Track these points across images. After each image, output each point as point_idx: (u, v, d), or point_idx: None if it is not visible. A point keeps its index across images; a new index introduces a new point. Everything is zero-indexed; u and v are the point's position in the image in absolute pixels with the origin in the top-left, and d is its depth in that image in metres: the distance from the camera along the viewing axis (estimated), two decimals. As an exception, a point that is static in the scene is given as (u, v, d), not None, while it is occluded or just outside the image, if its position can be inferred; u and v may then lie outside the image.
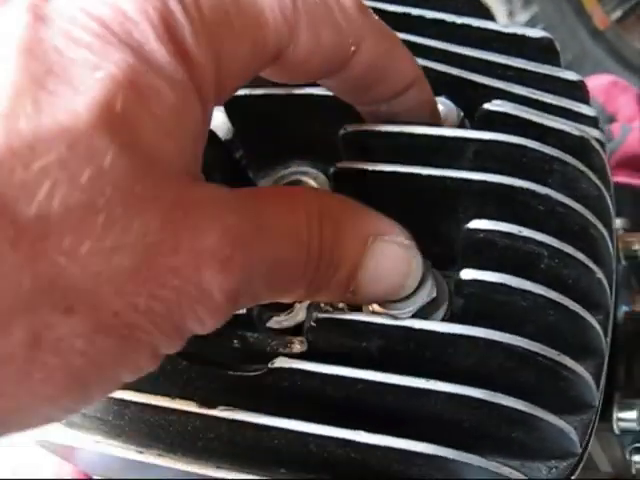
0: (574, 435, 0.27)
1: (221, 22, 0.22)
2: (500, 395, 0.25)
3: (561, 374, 0.26)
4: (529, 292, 0.25)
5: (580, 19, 1.12)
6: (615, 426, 0.38)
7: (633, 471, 0.43)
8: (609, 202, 0.30)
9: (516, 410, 0.25)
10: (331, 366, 0.25)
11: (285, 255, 0.23)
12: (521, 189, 0.27)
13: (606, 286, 0.29)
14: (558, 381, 0.26)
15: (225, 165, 0.35)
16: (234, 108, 0.34)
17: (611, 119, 0.70)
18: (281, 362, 0.25)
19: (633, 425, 0.37)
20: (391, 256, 0.25)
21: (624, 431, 0.38)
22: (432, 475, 0.26)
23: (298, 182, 0.33)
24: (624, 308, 0.41)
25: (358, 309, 0.28)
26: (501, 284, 0.25)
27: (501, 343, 0.25)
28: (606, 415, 0.38)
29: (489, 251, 0.26)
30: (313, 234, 0.23)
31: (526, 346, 0.25)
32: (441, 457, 0.24)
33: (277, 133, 0.34)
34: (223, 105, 0.34)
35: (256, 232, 0.22)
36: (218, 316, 0.22)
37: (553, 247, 0.26)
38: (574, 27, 1.11)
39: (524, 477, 0.26)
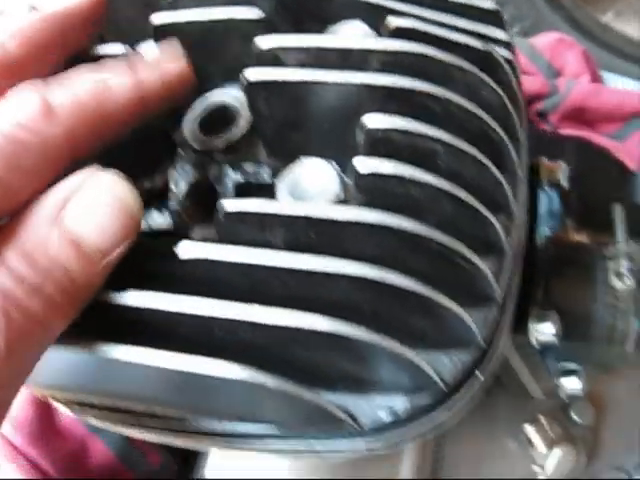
0: (471, 322, 0.28)
1: None
2: (389, 272, 0.26)
3: (455, 261, 0.27)
4: (421, 182, 0.27)
5: (538, -13, 1.13)
6: (533, 339, 0.39)
7: (563, 396, 0.45)
8: (514, 113, 0.32)
9: (405, 289, 0.26)
10: (229, 251, 0.26)
11: None
12: (419, 92, 0.28)
13: (507, 188, 0.30)
14: (454, 269, 0.28)
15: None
16: (162, 36, 0.35)
17: (557, 74, 0.72)
18: (183, 247, 0.27)
19: (551, 338, 0.39)
20: (92, 198, 0.25)
21: (543, 345, 0.39)
22: (338, 362, 0.28)
23: (221, 104, 0.34)
24: (547, 232, 0.42)
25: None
26: (394, 175, 0.27)
27: (392, 227, 0.26)
28: (523, 328, 0.39)
29: (387, 149, 0.28)
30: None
31: (417, 229, 0.26)
32: (339, 335, 0.26)
33: (205, 58, 0.35)
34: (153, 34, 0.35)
35: None
36: None
37: (447, 143, 0.28)
38: (532, -5, 1.13)
39: (425, 364, 0.28)
